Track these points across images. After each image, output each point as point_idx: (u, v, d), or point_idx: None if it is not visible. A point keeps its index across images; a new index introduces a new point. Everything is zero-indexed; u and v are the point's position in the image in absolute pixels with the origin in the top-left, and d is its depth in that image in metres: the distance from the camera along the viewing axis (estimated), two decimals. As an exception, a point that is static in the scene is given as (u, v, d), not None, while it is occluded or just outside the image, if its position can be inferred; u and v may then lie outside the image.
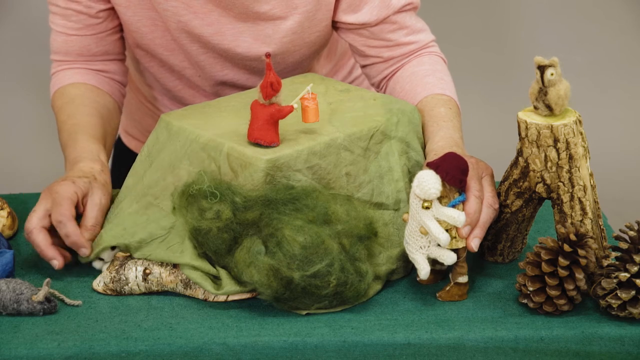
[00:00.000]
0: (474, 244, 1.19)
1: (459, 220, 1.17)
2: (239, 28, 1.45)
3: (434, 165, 1.18)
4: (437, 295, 1.22)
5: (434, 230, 1.16)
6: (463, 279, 1.22)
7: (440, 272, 1.25)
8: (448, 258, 1.18)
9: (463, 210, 1.19)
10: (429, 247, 1.18)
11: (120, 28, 1.50)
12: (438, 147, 1.30)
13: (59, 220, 1.26)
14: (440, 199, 1.18)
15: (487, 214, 1.21)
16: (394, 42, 1.47)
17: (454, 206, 1.18)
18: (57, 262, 1.25)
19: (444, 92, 1.42)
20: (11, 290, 1.17)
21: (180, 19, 1.43)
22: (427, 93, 1.42)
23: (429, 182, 1.15)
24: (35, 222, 1.26)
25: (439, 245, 1.18)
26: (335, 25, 1.49)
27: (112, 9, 1.47)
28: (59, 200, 1.27)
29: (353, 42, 1.49)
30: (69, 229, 1.25)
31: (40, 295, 1.17)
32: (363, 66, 1.52)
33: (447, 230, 1.17)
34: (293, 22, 1.44)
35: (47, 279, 1.18)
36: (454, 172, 1.17)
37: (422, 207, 1.17)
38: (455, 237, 1.19)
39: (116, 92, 1.53)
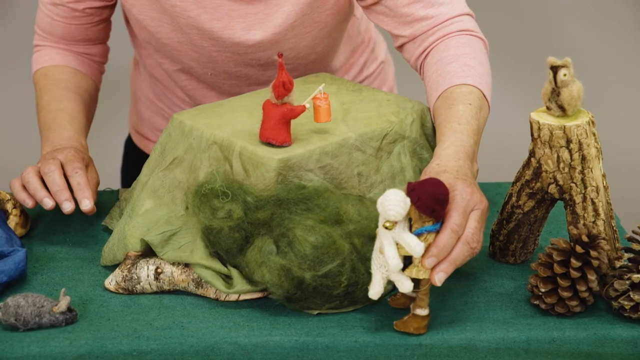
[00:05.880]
0: (438, 278, 1.10)
1: (415, 250, 1.08)
2: (249, 21, 1.44)
3: (410, 187, 1.09)
4: (394, 323, 1.15)
5: (386, 252, 1.09)
6: (422, 311, 1.14)
7: (412, 298, 1.16)
8: (402, 285, 1.10)
9: (434, 240, 1.10)
10: (388, 268, 1.10)
11: (106, 18, 1.55)
12: (444, 155, 1.20)
13: (75, 170, 1.32)
14: (411, 223, 1.10)
15: (460, 251, 1.11)
16: (411, 16, 1.40)
17: (419, 234, 1.09)
18: (50, 201, 1.30)
19: (464, 82, 1.31)
20: (31, 305, 1.15)
21: (189, 14, 1.43)
22: (448, 85, 1.32)
23: (391, 202, 1.07)
24: (34, 167, 1.33)
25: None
26: (362, 6, 1.45)
27: (101, 7, 1.51)
28: (71, 158, 1.34)
29: (382, 25, 1.44)
30: (84, 179, 1.32)
31: (62, 305, 1.16)
32: (398, 49, 1.46)
33: (411, 258, 1.10)
34: (302, 5, 1.42)
35: (63, 289, 1.17)
36: (426, 200, 1.08)
37: (383, 225, 1.08)
38: (417, 266, 1.10)
39: (96, 72, 1.59)
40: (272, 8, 1.43)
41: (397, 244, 1.09)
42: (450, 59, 1.35)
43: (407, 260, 1.11)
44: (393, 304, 1.17)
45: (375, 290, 1.11)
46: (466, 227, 1.11)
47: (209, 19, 1.43)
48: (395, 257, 1.09)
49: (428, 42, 1.40)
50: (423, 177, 1.16)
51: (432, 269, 1.10)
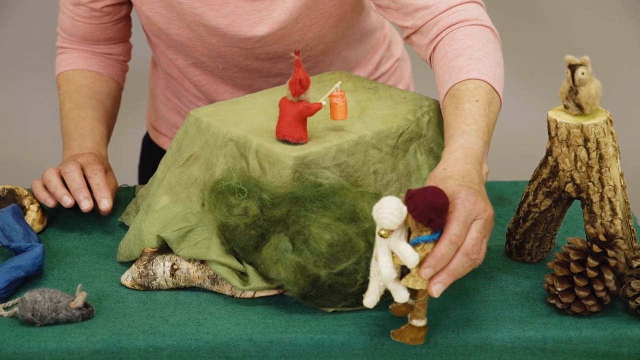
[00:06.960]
0: (435, 289, 1.06)
1: (409, 261, 1.04)
2: (255, 17, 1.44)
3: (409, 195, 1.05)
4: (391, 332, 1.13)
5: (380, 261, 1.05)
6: (419, 322, 1.11)
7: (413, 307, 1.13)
8: (398, 295, 1.07)
9: (431, 250, 1.06)
10: (381, 277, 1.07)
11: (125, 16, 1.58)
12: (451, 159, 1.16)
13: (95, 172, 1.37)
14: (410, 231, 1.06)
15: (459, 262, 1.07)
16: (411, 6, 1.36)
17: (415, 244, 1.06)
18: (69, 199, 1.34)
19: (470, 77, 1.26)
20: (48, 300, 1.15)
21: (195, 12, 1.44)
22: (453, 81, 1.26)
23: (385, 210, 1.03)
24: (55, 168, 1.38)
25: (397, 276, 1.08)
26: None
27: (119, 4, 1.54)
28: (90, 161, 1.39)
29: (389, 17, 1.42)
30: (103, 180, 1.36)
31: (78, 301, 1.16)
32: (407, 42, 1.43)
33: (406, 267, 1.07)
34: None
35: (79, 285, 1.18)
36: (423, 209, 1.04)
37: (379, 233, 1.05)
38: (414, 276, 1.07)
39: (118, 72, 1.63)
40: (277, 4, 1.43)
41: (392, 252, 1.06)
42: (455, 53, 1.30)
43: (406, 269, 1.08)
44: (394, 312, 1.14)
45: (369, 299, 1.08)
46: (466, 238, 1.07)
47: (214, 16, 1.44)
48: (388, 266, 1.05)
49: (432, 33, 1.35)
50: (428, 181, 1.14)
51: (430, 279, 1.07)
